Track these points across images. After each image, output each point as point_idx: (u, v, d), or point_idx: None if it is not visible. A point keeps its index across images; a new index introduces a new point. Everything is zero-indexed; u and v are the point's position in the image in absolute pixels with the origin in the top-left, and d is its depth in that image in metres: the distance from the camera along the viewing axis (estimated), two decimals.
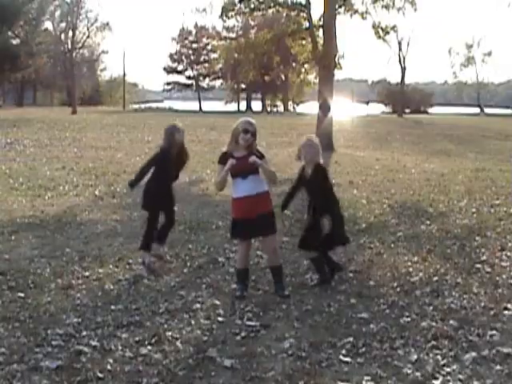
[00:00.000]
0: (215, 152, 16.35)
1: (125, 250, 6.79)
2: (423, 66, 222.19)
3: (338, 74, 64.37)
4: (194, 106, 64.93)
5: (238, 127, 5.36)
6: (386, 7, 21.25)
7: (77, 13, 55.32)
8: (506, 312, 4.96)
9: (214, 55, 62.18)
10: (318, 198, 5.61)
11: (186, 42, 69.65)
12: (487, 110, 64.36)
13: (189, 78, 71.76)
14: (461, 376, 3.84)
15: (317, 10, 21.12)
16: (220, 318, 4.80)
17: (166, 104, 69.75)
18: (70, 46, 55.81)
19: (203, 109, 62.71)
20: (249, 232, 5.39)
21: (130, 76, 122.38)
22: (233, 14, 21.08)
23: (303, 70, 26.20)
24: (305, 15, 20.49)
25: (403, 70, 52.63)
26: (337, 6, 19.89)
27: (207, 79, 72.19)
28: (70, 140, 20.09)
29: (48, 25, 58.86)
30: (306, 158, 5.60)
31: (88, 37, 59.73)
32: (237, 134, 5.33)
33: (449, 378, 3.82)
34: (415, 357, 4.09)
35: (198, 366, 3.95)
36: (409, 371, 3.89)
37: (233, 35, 60.48)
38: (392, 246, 7.17)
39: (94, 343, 4.27)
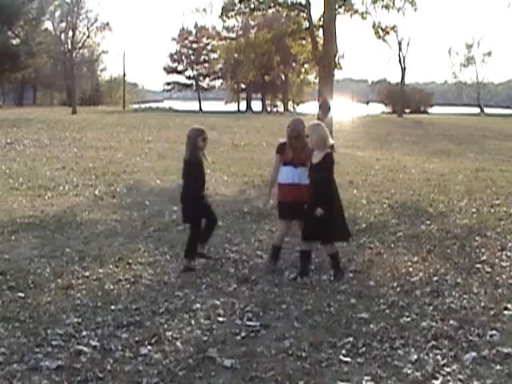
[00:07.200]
0: (215, 152, 16.36)
1: (125, 250, 6.78)
2: (423, 66, 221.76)
3: (338, 74, 64.43)
4: (194, 106, 64.86)
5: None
6: (386, 7, 21.20)
7: (77, 13, 55.33)
8: (506, 312, 4.96)
9: (214, 55, 61.98)
10: (319, 185, 5.69)
11: (186, 42, 69.61)
12: (487, 110, 64.30)
13: (189, 78, 71.73)
14: (461, 376, 3.84)
15: (317, 10, 21.09)
16: (220, 318, 4.80)
17: (166, 104, 69.62)
18: (70, 46, 55.83)
19: (203, 109, 62.66)
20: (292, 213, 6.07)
21: (129, 76, 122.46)
22: (233, 14, 21.02)
23: (303, 69, 26.07)
24: (305, 15, 20.46)
25: (403, 70, 52.66)
26: (337, 6, 19.85)
27: (207, 79, 72.16)
28: (69, 140, 20.05)
29: (48, 25, 58.99)
30: (311, 142, 5.81)
31: (88, 37, 59.80)
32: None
33: (449, 377, 3.82)
34: (415, 357, 4.09)
35: (198, 366, 3.95)
36: (409, 371, 3.90)
37: (233, 35, 60.36)
38: (392, 245, 7.17)
39: (94, 343, 4.27)
